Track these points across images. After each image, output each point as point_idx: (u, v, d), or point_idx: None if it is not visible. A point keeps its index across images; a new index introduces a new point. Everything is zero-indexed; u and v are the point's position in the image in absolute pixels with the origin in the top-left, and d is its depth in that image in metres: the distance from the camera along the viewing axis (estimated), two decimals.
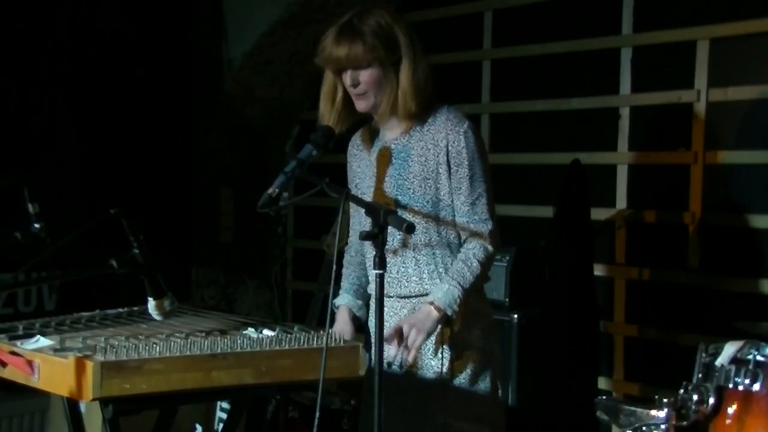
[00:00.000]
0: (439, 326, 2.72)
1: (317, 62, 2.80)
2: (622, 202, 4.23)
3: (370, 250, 2.83)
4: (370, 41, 2.70)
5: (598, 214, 4.20)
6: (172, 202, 5.17)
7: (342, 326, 2.95)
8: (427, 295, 2.77)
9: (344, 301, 3.01)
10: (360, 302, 3.00)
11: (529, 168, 4.52)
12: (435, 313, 2.69)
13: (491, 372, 2.83)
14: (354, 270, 3.03)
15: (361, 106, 2.79)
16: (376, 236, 2.43)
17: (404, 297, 2.82)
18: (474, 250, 2.75)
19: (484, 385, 2.81)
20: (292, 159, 2.56)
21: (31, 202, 2.79)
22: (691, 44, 3.97)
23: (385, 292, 2.78)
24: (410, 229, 2.43)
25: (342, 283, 3.05)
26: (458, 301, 2.69)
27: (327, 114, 2.84)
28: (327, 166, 2.84)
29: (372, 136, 2.92)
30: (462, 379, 2.77)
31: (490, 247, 2.75)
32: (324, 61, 2.77)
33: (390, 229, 2.46)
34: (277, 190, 2.49)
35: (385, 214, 2.44)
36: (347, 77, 2.75)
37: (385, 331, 2.78)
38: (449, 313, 2.70)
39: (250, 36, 5.05)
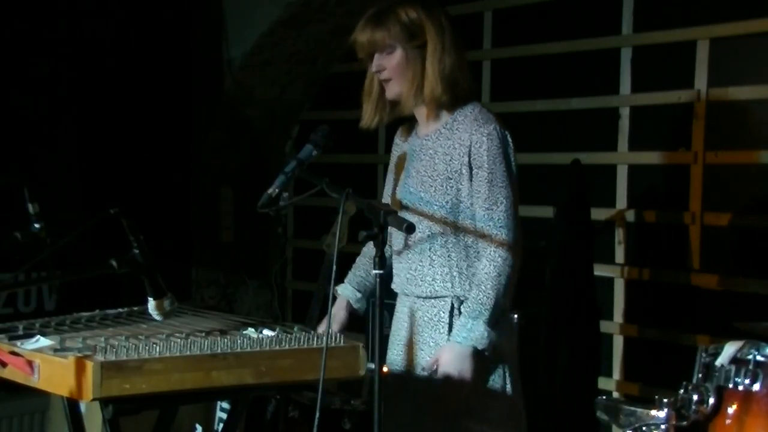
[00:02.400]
0: None
1: (355, 51, 2.85)
2: (622, 202, 4.23)
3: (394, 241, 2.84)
4: (392, 26, 2.73)
5: (598, 214, 4.20)
6: (172, 202, 5.16)
7: (335, 312, 2.96)
8: (438, 298, 2.76)
9: (343, 292, 3.01)
10: (359, 294, 3.00)
11: (529, 168, 4.51)
12: (468, 351, 2.66)
13: (507, 372, 2.80)
14: (365, 263, 3.01)
15: (388, 93, 2.81)
16: (377, 236, 2.42)
17: (419, 297, 2.81)
18: (486, 270, 2.69)
19: (499, 385, 2.78)
20: (292, 159, 2.57)
21: (31, 202, 2.79)
22: (691, 44, 3.97)
23: (402, 289, 2.82)
24: (410, 229, 2.42)
25: (349, 273, 3.05)
26: (486, 334, 2.66)
27: (365, 107, 2.87)
28: (327, 166, 2.85)
29: (410, 129, 2.94)
30: (480, 380, 2.74)
31: (500, 259, 2.68)
32: (354, 47, 2.81)
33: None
34: (277, 190, 2.50)
35: (385, 214, 2.44)
36: (373, 63, 2.79)
37: (393, 328, 2.81)
38: (479, 347, 2.67)
39: (250, 36, 5.05)
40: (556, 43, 4.46)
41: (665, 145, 4.11)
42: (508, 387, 2.79)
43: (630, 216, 4.20)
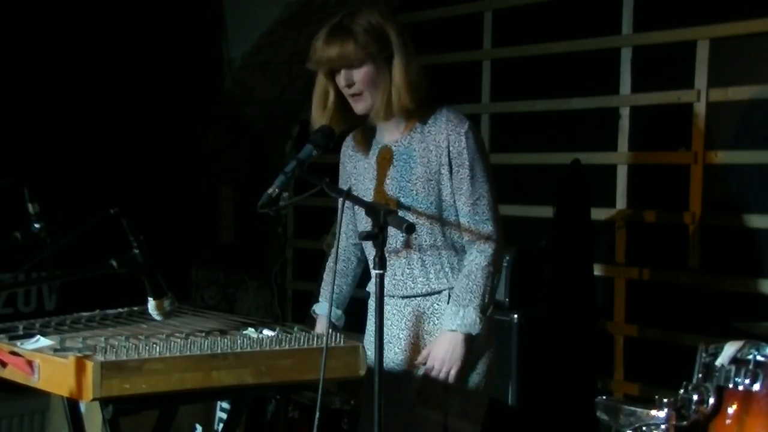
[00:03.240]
0: None
1: (309, 66, 2.79)
2: (622, 202, 4.23)
3: (371, 250, 2.83)
4: (361, 39, 2.70)
5: (598, 214, 4.20)
6: (172, 202, 5.16)
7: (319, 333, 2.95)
8: (433, 294, 2.78)
9: (321, 311, 3.02)
10: (340, 312, 3.02)
11: (529, 168, 4.52)
12: (460, 338, 2.70)
13: (486, 370, 2.83)
14: (335, 279, 2.99)
15: (359, 107, 2.77)
16: (376, 236, 2.43)
17: (408, 297, 2.83)
18: (476, 261, 2.74)
19: (479, 381, 2.81)
20: (292, 159, 2.57)
21: (31, 202, 2.79)
22: (691, 44, 3.97)
23: (388, 292, 2.80)
24: (410, 229, 2.43)
25: (321, 291, 3.05)
26: (478, 320, 2.70)
27: (318, 118, 2.81)
28: (327, 166, 2.85)
29: (367, 137, 2.91)
30: (460, 376, 2.76)
31: (490, 249, 2.75)
32: (316, 63, 2.76)
33: (393, 230, 2.47)
34: (277, 190, 2.49)
35: (385, 214, 2.44)
36: (341, 78, 2.74)
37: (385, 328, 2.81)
38: (473, 332, 2.71)
39: (250, 36, 5.05)
40: (556, 43, 4.46)
41: (665, 145, 4.11)
42: (486, 382, 2.83)
43: (630, 216, 4.20)
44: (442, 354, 2.70)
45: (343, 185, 2.97)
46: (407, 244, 2.79)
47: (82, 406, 2.81)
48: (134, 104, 4.92)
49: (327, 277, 3.07)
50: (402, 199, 2.79)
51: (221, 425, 3.86)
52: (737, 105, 3.89)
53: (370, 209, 2.50)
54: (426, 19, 4.85)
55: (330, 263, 3.07)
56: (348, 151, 2.98)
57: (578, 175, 4.04)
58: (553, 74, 4.52)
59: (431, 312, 2.80)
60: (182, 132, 5.23)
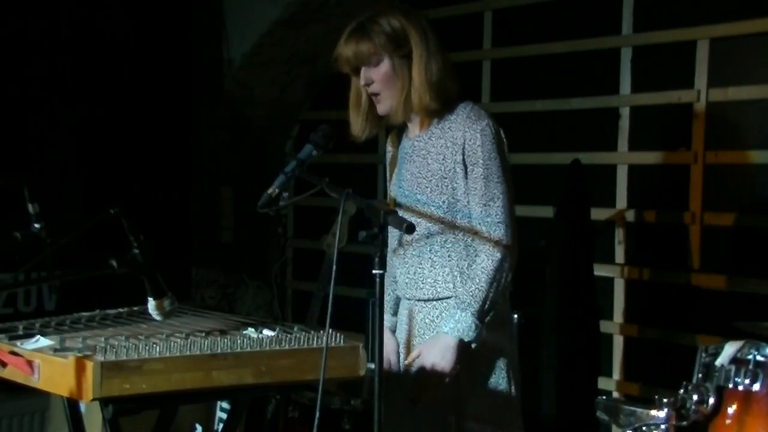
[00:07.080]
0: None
1: (334, 66, 2.82)
2: (622, 202, 4.23)
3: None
4: (376, 38, 2.70)
5: (598, 214, 4.20)
6: (172, 202, 5.17)
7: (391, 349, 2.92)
8: (441, 299, 2.75)
9: (389, 324, 2.96)
10: (395, 318, 2.97)
11: (529, 168, 4.52)
12: (452, 343, 2.64)
13: (504, 370, 2.79)
14: (390, 284, 2.95)
15: (380, 108, 2.78)
16: (376, 236, 2.42)
17: (420, 300, 2.80)
18: (482, 264, 2.68)
19: (495, 382, 2.77)
20: (292, 159, 2.57)
21: (31, 202, 2.79)
22: (691, 44, 3.98)
23: (403, 293, 2.81)
24: (410, 229, 2.42)
25: (386, 304, 2.95)
26: (473, 326, 2.64)
27: (355, 119, 2.84)
28: (327, 166, 2.85)
29: (399, 134, 2.92)
30: (474, 377, 2.74)
31: (499, 254, 2.67)
32: (337, 62, 2.79)
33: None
34: (277, 190, 2.49)
35: (385, 214, 2.44)
36: (361, 77, 2.76)
37: (398, 333, 2.81)
38: (466, 339, 2.65)
39: (250, 36, 5.05)
40: (556, 43, 4.46)
41: (665, 145, 4.11)
42: (507, 385, 2.77)
43: (630, 216, 4.20)
44: (432, 357, 2.65)
45: (389, 183, 2.98)
46: (419, 243, 2.76)
47: (82, 406, 2.81)
48: (134, 104, 4.93)
49: (388, 284, 2.91)
50: (418, 196, 2.77)
51: (221, 425, 3.87)
52: (737, 105, 3.89)
53: (370, 209, 2.50)
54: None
55: (389, 268, 2.92)
56: (388, 147, 2.99)
57: (578, 175, 4.04)
58: (553, 74, 4.52)
59: (440, 321, 2.75)
60: (182, 132, 5.23)
